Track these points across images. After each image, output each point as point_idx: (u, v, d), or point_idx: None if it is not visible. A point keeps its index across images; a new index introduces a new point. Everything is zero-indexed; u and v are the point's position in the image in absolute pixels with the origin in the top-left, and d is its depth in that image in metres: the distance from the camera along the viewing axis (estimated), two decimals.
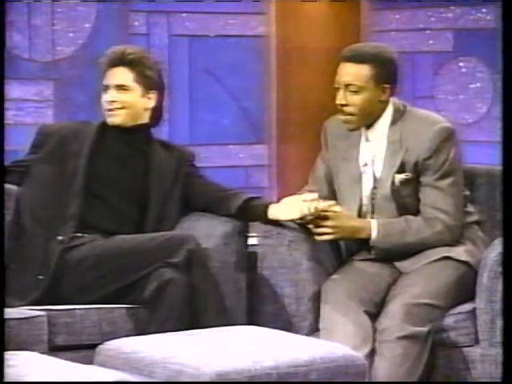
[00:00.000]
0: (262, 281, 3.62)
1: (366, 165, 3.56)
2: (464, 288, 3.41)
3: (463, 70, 4.63)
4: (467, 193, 3.63)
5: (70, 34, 4.48)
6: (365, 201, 3.56)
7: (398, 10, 4.69)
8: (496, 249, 3.33)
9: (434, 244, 3.47)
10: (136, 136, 3.65)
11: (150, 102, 3.62)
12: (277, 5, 4.70)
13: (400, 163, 3.48)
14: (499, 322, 3.29)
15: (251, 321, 3.49)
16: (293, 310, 3.54)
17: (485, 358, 3.33)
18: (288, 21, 4.67)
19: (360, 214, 3.55)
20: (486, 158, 3.68)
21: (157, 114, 3.67)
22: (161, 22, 4.65)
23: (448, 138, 3.51)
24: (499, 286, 3.29)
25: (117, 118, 3.58)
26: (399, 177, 3.48)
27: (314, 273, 3.55)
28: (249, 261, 3.62)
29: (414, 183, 3.50)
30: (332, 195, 3.65)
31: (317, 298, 3.49)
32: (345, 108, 3.49)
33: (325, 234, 3.46)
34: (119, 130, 3.61)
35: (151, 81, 3.60)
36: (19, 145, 4.24)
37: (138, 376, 2.68)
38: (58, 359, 2.75)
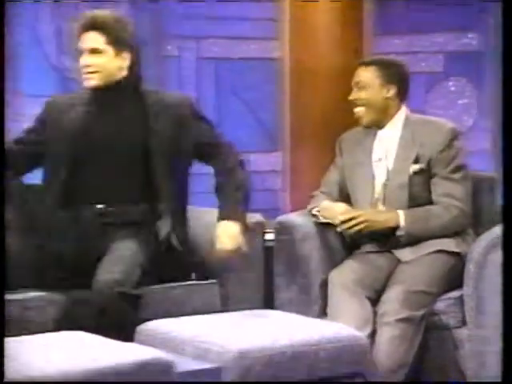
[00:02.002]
0: (278, 271, 3.63)
1: (379, 160, 3.59)
2: (453, 277, 3.41)
3: (452, 88, 4.63)
4: None
5: None
6: (377, 192, 3.57)
7: (396, 36, 4.69)
8: (481, 242, 3.34)
9: (453, 228, 3.49)
10: (118, 93, 3.39)
11: (124, 61, 3.37)
12: (290, 32, 4.71)
13: (415, 156, 3.50)
14: (484, 307, 3.30)
15: (269, 306, 3.50)
16: (304, 297, 3.55)
17: (471, 338, 3.33)
18: (300, 45, 4.66)
19: (372, 204, 3.57)
20: (472, 165, 3.69)
21: (134, 70, 3.41)
22: (190, 47, 4.65)
23: (456, 136, 3.55)
24: (484, 275, 3.30)
25: (93, 81, 3.35)
26: (415, 167, 3.50)
27: (322, 264, 3.56)
28: (266, 254, 3.62)
29: (426, 175, 3.51)
30: (341, 197, 3.66)
31: (325, 286, 3.48)
32: (356, 102, 3.58)
33: (357, 226, 3.45)
34: (99, 91, 3.38)
35: (123, 41, 3.35)
36: None
37: (172, 353, 2.66)
38: (103, 337, 2.75)
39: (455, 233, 3.52)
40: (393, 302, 3.32)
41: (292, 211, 4.05)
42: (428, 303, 3.36)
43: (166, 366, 2.53)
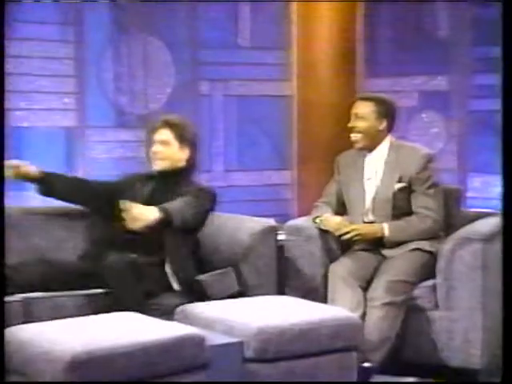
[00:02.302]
0: (288, 265, 3.62)
1: (369, 179, 3.55)
2: (428, 270, 3.39)
3: (425, 119, 4.62)
4: None
5: (158, 96, 4.49)
6: (368, 204, 3.54)
7: (382, 78, 4.68)
8: (450, 242, 3.33)
9: (427, 234, 3.45)
10: (173, 177, 3.48)
11: (185, 154, 3.50)
12: (298, 74, 4.70)
13: (399, 176, 3.48)
14: (452, 293, 3.30)
15: (280, 292, 3.49)
16: (309, 285, 3.54)
17: (442, 317, 3.33)
18: (305, 85, 4.66)
19: (363, 213, 3.54)
20: (442, 180, 3.68)
21: (191, 162, 3.53)
22: (219, 87, 4.65)
23: (430, 160, 3.52)
24: (452, 268, 3.30)
25: (160, 166, 3.49)
26: (398, 185, 3.47)
27: (323, 259, 3.54)
28: (278, 251, 3.60)
29: (407, 191, 3.47)
30: (338, 206, 3.65)
31: (325, 277, 3.47)
32: (354, 129, 3.54)
33: (354, 237, 3.45)
34: (163, 173, 3.50)
35: (186, 139, 3.49)
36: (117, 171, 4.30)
37: (204, 330, 2.65)
38: (150, 317, 2.76)
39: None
40: (379, 289, 3.31)
41: (299, 217, 4.03)
42: (407, 290, 3.34)
43: (200, 340, 2.55)
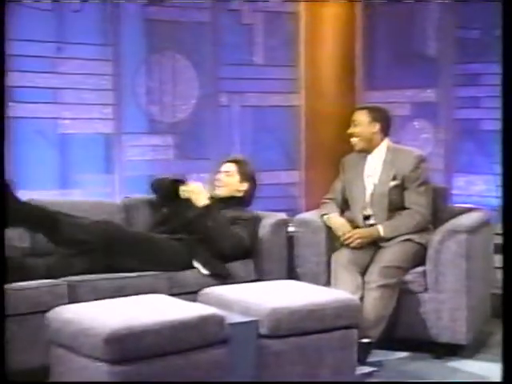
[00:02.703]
0: (296, 253, 3.58)
1: (369, 176, 3.50)
2: (417, 257, 3.34)
3: (417, 126, 4.60)
4: None
5: (184, 106, 4.49)
6: (367, 198, 3.48)
7: (378, 90, 4.65)
8: (438, 234, 3.29)
9: (417, 228, 3.38)
10: (230, 204, 3.57)
11: (243, 186, 3.63)
12: (305, 87, 4.68)
13: (393, 175, 3.42)
14: (440, 278, 3.26)
15: (290, 277, 3.45)
16: (315, 271, 3.50)
17: (431, 299, 3.28)
18: (312, 96, 4.66)
19: (363, 207, 3.47)
20: (431, 179, 3.64)
21: (248, 194, 3.65)
22: (236, 99, 4.64)
23: (422, 161, 3.46)
24: (440, 257, 3.26)
25: (220, 192, 3.61)
26: (393, 183, 3.42)
27: (327, 248, 3.50)
28: (288, 241, 3.57)
29: (401, 188, 3.41)
30: (342, 202, 3.60)
31: (329, 264, 3.44)
32: (352, 134, 3.51)
33: (354, 242, 3.38)
34: (221, 198, 3.59)
35: (245, 173, 3.64)
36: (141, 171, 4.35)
37: (223, 310, 2.61)
38: (175, 298, 2.73)
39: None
40: (374, 273, 3.27)
41: (306, 211, 3.99)
42: (399, 275, 3.29)
43: (220, 319, 2.52)
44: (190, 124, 4.51)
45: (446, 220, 3.44)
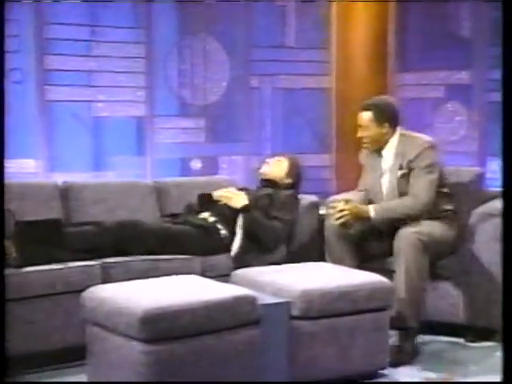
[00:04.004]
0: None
1: (385, 170, 3.34)
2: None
3: (450, 109, 4.52)
4: (448, 190, 3.34)
5: (215, 89, 4.47)
6: (383, 190, 3.35)
7: (411, 73, 4.57)
8: (473, 217, 3.21)
9: (412, 212, 3.19)
10: (277, 188, 3.66)
11: (288, 180, 3.71)
12: (336, 69, 4.63)
13: (399, 164, 3.27)
14: (475, 262, 3.19)
15: (322, 259, 3.36)
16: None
17: (466, 283, 3.21)
18: (343, 79, 4.61)
19: (381, 199, 3.33)
20: (463, 162, 3.57)
21: (291, 186, 3.71)
22: (267, 81, 4.60)
23: (428, 147, 3.24)
24: (475, 240, 3.20)
25: (268, 173, 3.72)
26: (399, 172, 3.27)
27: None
28: (319, 222, 3.53)
29: (407, 177, 3.25)
30: (366, 194, 3.48)
31: None
32: (362, 139, 3.35)
33: (341, 217, 3.22)
34: (266, 182, 3.72)
35: (293, 170, 3.72)
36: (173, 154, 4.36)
37: (256, 291, 2.61)
38: (208, 279, 2.74)
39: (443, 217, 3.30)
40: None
41: (337, 194, 3.95)
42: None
43: (253, 300, 2.51)
44: (221, 107, 4.50)
45: (481, 203, 3.37)
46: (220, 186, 3.76)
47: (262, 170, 3.76)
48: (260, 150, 4.56)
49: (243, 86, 4.53)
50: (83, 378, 2.62)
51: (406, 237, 3.07)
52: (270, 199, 3.54)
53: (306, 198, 3.62)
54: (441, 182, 3.30)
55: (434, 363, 2.99)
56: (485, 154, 4.40)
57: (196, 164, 4.48)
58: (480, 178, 3.71)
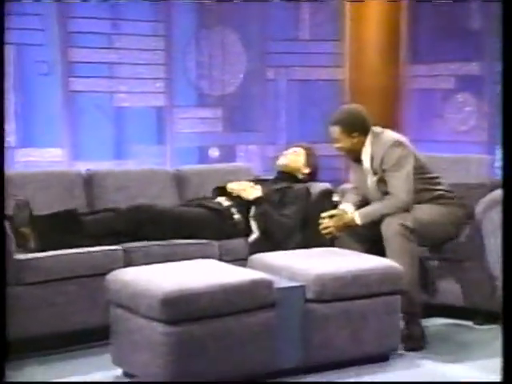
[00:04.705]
0: None
1: (366, 171, 3.23)
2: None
3: (460, 99, 4.50)
4: (434, 175, 3.26)
5: (232, 80, 4.49)
6: (370, 189, 3.23)
7: (422, 64, 4.56)
8: (481, 205, 3.19)
9: (395, 210, 3.07)
10: (292, 181, 3.65)
11: (306, 170, 3.70)
12: (349, 61, 4.62)
13: (374, 169, 3.19)
14: (483, 247, 3.17)
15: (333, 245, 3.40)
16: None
17: (474, 268, 3.20)
18: (356, 71, 4.60)
19: (368, 195, 3.26)
20: (474, 151, 3.56)
21: (306, 179, 3.69)
22: (283, 72, 4.62)
23: (393, 145, 3.14)
24: (482, 226, 3.18)
25: (284, 164, 3.69)
26: (375, 177, 3.19)
27: None
28: (333, 208, 3.40)
29: (382, 179, 3.17)
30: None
31: None
32: (338, 150, 3.27)
33: (329, 231, 3.18)
34: (282, 173, 3.71)
35: (311, 161, 3.71)
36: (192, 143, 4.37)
37: (272, 275, 2.63)
38: (226, 263, 2.76)
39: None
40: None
41: (348, 183, 3.95)
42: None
43: (269, 284, 2.53)
44: (238, 97, 4.52)
45: (489, 191, 3.36)
46: (238, 173, 3.79)
47: (279, 162, 3.72)
48: (275, 140, 4.58)
49: (259, 77, 4.55)
50: (107, 357, 2.66)
51: (390, 226, 3.04)
52: (282, 195, 3.51)
53: (320, 186, 3.62)
54: (423, 170, 3.23)
55: (440, 346, 2.99)
56: (494, 144, 4.38)
57: (214, 152, 4.50)
58: (489, 166, 3.70)
